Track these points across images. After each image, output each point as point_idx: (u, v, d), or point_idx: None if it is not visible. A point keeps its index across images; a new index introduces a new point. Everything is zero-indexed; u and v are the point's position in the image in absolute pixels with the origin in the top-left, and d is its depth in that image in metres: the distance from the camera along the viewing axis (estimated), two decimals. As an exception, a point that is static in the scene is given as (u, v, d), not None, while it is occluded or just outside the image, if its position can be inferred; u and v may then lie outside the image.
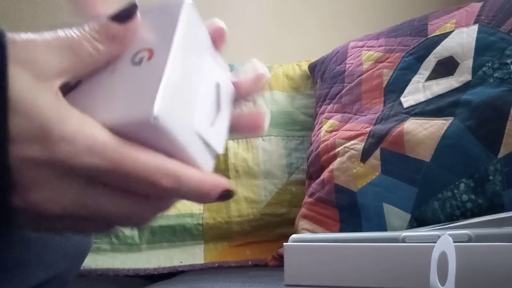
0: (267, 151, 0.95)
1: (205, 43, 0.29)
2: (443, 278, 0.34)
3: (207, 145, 0.27)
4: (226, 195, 0.27)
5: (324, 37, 1.37)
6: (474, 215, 0.63)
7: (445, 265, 0.33)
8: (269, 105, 1.00)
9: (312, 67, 1.03)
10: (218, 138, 0.28)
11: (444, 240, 0.35)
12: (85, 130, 0.23)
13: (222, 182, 0.27)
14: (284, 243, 0.50)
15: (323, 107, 0.90)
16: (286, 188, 0.92)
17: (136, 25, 0.26)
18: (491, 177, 0.62)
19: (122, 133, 0.24)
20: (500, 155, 0.62)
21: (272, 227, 0.91)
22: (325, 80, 0.94)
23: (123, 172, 0.24)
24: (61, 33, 0.25)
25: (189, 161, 0.26)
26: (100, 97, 0.25)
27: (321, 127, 0.87)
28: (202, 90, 0.27)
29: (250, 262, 0.88)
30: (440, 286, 0.34)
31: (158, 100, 0.23)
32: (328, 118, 0.86)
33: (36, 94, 0.23)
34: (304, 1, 1.39)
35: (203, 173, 0.26)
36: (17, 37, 0.24)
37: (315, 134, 0.88)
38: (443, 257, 0.34)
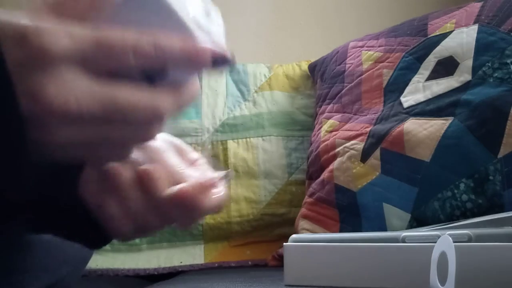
0: (267, 151, 0.95)
1: None
2: (443, 278, 0.34)
3: (204, 30, 0.28)
4: (222, 61, 0.27)
5: (324, 37, 1.37)
6: (474, 215, 0.62)
7: (445, 265, 0.33)
8: (269, 105, 1.00)
9: (312, 67, 1.03)
10: (216, 31, 0.29)
11: (444, 240, 0.35)
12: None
13: (210, 47, 0.27)
14: (284, 243, 0.50)
15: (323, 107, 0.90)
16: (286, 188, 0.92)
17: None
18: (491, 177, 0.62)
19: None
20: (500, 155, 0.62)
21: (272, 227, 0.91)
22: (325, 80, 0.94)
23: (107, 45, 0.25)
24: None
25: (188, 36, 0.27)
26: None
27: (321, 127, 0.86)
28: None
29: (250, 262, 0.87)
30: (440, 286, 0.34)
31: None
32: (328, 118, 0.86)
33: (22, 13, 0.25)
34: (304, 1, 1.39)
35: (188, 40, 0.27)
36: None
37: (315, 134, 0.88)
38: (443, 257, 0.34)
